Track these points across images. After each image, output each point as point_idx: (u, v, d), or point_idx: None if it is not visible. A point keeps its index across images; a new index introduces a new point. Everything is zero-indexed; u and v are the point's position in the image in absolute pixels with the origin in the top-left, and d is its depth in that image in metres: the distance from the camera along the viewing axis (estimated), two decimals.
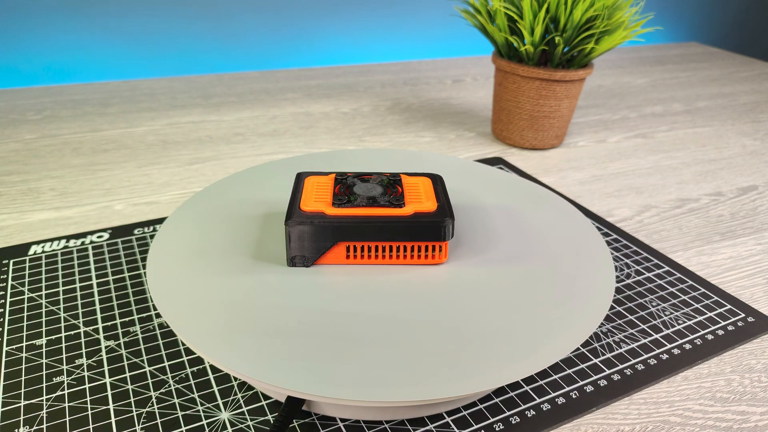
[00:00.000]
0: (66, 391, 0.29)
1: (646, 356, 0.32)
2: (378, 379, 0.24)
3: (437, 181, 0.35)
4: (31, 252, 0.39)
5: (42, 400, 0.28)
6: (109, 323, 0.33)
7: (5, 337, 0.32)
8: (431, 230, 0.30)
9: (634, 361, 0.32)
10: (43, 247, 0.40)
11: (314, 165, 0.43)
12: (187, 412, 0.28)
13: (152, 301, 0.35)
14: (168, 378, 0.30)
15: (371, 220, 0.30)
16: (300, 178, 0.34)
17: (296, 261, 0.31)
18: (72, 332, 0.32)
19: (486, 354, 0.26)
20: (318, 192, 0.33)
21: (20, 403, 0.28)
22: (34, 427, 0.27)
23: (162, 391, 0.29)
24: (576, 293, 0.30)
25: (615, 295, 0.37)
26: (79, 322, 0.33)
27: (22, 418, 0.27)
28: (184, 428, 0.27)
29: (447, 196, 0.33)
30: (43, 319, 0.33)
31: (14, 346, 0.31)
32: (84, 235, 0.42)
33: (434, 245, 0.31)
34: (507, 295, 0.30)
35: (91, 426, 0.27)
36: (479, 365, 0.25)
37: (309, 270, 0.31)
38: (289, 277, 0.30)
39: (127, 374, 0.30)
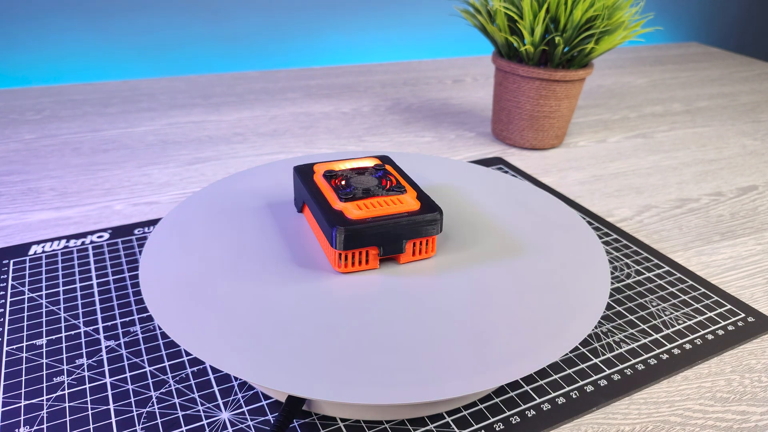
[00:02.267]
0: (66, 391, 0.29)
1: (646, 356, 0.32)
2: (377, 379, 0.24)
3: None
4: (31, 252, 0.39)
5: (42, 400, 0.28)
6: (109, 323, 0.33)
7: (5, 337, 0.32)
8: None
9: (634, 361, 0.32)
10: (43, 247, 0.40)
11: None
12: (187, 412, 0.28)
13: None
14: (168, 378, 0.30)
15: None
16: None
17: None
18: (72, 332, 0.32)
19: (485, 354, 0.26)
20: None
21: (20, 403, 0.28)
22: (35, 427, 0.27)
23: (162, 391, 0.29)
24: (572, 293, 0.30)
25: (615, 295, 0.37)
26: (79, 322, 0.33)
27: (22, 418, 0.27)
28: (184, 428, 0.27)
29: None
30: (43, 319, 0.33)
31: (14, 346, 0.31)
32: (84, 235, 0.42)
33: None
34: (504, 295, 0.30)
35: (91, 426, 0.27)
36: (479, 365, 0.25)
37: (307, 271, 0.31)
38: (287, 278, 0.30)
39: (128, 374, 0.30)
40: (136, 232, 0.42)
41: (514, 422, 0.28)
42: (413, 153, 0.45)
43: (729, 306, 0.37)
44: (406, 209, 0.31)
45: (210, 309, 0.28)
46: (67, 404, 0.28)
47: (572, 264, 0.32)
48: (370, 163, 0.36)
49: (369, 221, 0.30)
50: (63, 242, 0.41)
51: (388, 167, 0.36)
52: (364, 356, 0.25)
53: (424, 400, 0.23)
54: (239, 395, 0.29)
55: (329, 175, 0.34)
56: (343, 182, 0.33)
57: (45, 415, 0.27)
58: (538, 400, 0.29)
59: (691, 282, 0.39)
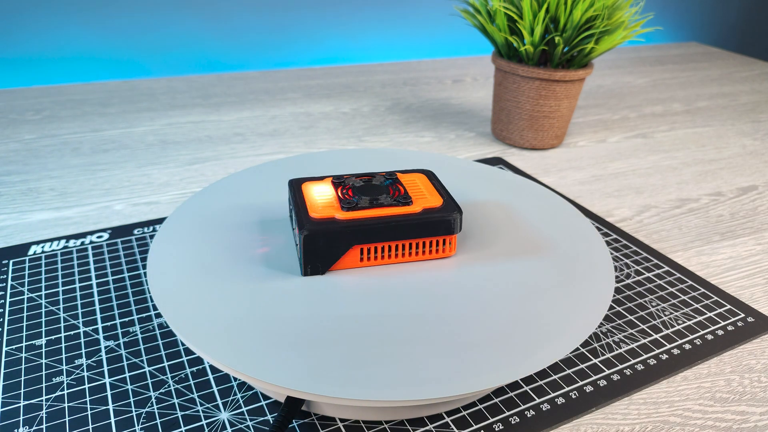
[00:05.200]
0: (66, 391, 0.29)
1: (645, 356, 0.32)
2: (377, 378, 0.24)
3: (432, 177, 0.35)
4: (30, 252, 0.39)
5: (42, 400, 0.28)
6: (109, 323, 0.33)
7: (5, 337, 0.32)
8: (442, 225, 0.31)
9: (633, 361, 0.32)
10: (42, 247, 0.40)
11: (312, 164, 0.43)
12: (186, 413, 0.28)
13: (152, 301, 0.35)
14: (167, 378, 0.30)
15: (384, 220, 0.30)
16: (296, 185, 0.33)
17: (310, 270, 0.30)
18: (71, 332, 0.32)
19: (485, 354, 0.26)
20: (321, 197, 0.32)
21: (20, 403, 0.28)
22: (34, 427, 0.27)
23: (161, 391, 0.29)
24: (575, 293, 0.30)
25: (615, 295, 0.37)
26: (78, 322, 0.33)
27: (21, 418, 0.27)
28: (183, 428, 0.27)
29: (446, 189, 0.34)
30: (43, 319, 0.33)
31: (14, 346, 0.31)
32: (84, 235, 0.42)
33: (444, 239, 0.32)
34: (504, 295, 0.30)
35: (90, 426, 0.27)
36: (478, 365, 0.25)
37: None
38: (288, 277, 0.30)
39: (127, 374, 0.30)
40: (135, 232, 0.42)
41: (513, 422, 0.28)
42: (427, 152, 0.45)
43: (729, 306, 0.37)
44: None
45: (211, 308, 0.28)
46: (66, 404, 0.28)
47: (575, 266, 0.32)
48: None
49: (453, 204, 0.32)
50: (62, 242, 0.41)
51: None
52: (363, 356, 0.25)
53: (424, 400, 0.23)
54: (238, 395, 0.29)
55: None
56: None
57: (44, 415, 0.27)
58: (538, 401, 0.29)
59: (690, 282, 0.39)
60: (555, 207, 0.38)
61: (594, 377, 0.31)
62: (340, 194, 0.33)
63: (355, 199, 0.32)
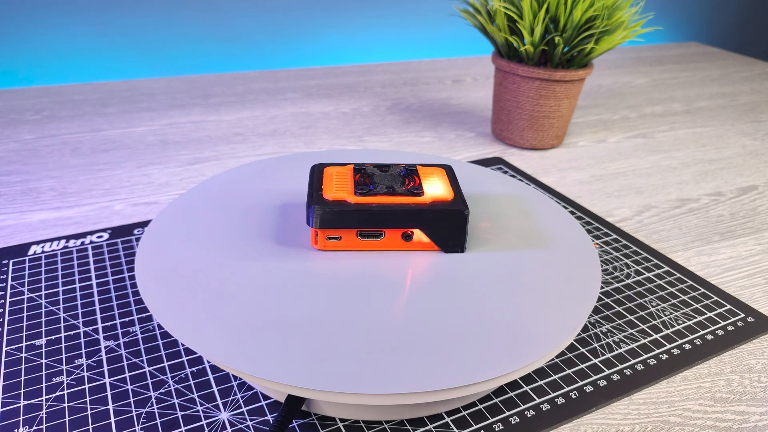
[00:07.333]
0: (65, 391, 0.29)
1: (645, 356, 0.32)
2: (376, 376, 0.24)
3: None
4: (30, 252, 0.39)
5: (42, 400, 0.28)
6: (109, 323, 0.33)
7: (5, 337, 0.32)
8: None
9: (633, 361, 0.32)
10: (42, 247, 0.40)
11: (311, 164, 0.43)
12: (186, 413, 0.28)
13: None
14: (167, 378, 0.30)
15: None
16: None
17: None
18: (72, 332, 0.32)
19: (485, 354, 0.26)
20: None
21: (20, 403, 0.28)
22: (34, 427, 0.27)
23: (161, 391, 0.29)
24: (564, 290, 0.30)
25: (614, 295, 0.37)
26: (78, 322, 0.33)
27: (21, 418, 0.27)
28: (183, 428, 0.27)
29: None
30: (43, 319, 0.33)
31: (14, 346, 0.31)
32: (84, 235, 0.42)
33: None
34: (494, 294, 0.30)
35: (90, 426, 0.27)
36: (478, 365, 0.25)
37: (306, 264, 0.31)
38: (285, 273, 0.30)
39: (127, 374, 0.30)
40: (135, 232, 0.42)
41: (513, 422, 0.28)
42: (412, 152, 0.45)
43: (729, 306, 0.37)
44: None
45: (206, 306, 0.28)
46: (66, 404, 0.28)
47: (562, 263, 0.32)
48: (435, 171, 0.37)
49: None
50: (62, 242, 0.41)
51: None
52: (362, 353, 0.25)
53: (422, 391, 0.23)
54: (239, 395, 0.29)
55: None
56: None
57: (44, 415, 0.27)
58: (538, 401, 0.29)
59: (690, 282, 0.39)
60: (542, 205, 0.38)
61: (594, 377, 0.31)
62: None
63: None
